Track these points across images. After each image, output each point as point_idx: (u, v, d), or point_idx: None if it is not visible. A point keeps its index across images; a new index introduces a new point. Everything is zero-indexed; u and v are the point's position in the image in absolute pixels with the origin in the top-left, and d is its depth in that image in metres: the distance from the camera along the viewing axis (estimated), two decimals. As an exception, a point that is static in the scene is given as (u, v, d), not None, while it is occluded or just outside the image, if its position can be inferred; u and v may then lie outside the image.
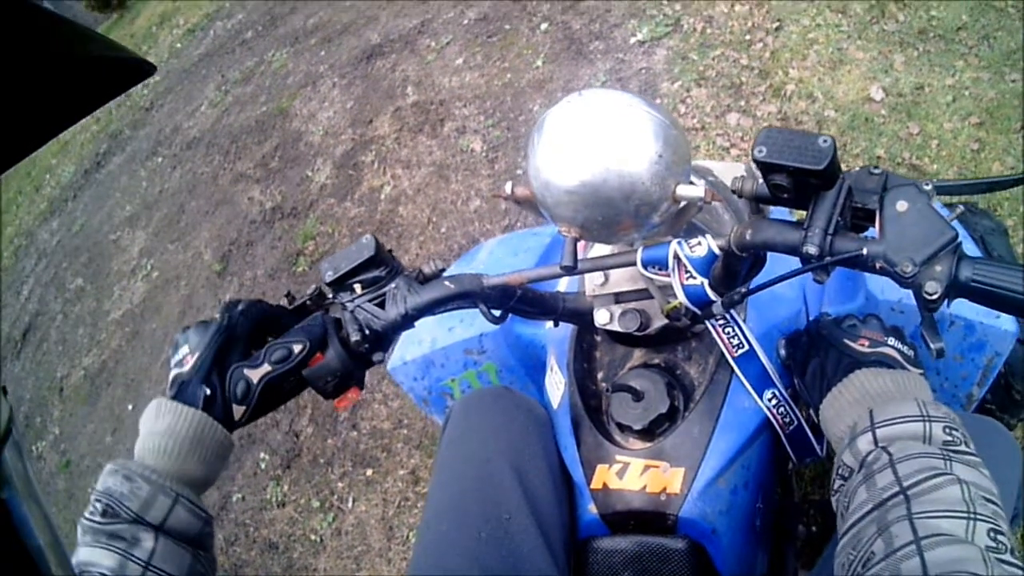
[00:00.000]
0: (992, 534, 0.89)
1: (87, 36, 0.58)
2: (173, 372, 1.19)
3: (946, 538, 0.88)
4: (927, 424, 1.05)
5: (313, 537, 3.37)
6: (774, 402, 1.37)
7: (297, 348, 1.20)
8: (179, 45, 8.34)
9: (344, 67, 5.80)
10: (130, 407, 4.57)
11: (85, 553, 1.01)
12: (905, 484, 0.97)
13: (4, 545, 0.49)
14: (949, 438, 1.03)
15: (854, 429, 1.11)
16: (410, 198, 4.42)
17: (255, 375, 1.19)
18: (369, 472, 3.43)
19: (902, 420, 1.06)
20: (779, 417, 1.38)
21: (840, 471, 1.13)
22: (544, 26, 4.98)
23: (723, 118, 3.81)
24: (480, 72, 4.94)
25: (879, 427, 1.08)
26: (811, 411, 1.31)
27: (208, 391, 1.15)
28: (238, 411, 1.18)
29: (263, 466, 3.71)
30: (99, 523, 1.02)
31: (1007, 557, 0.87)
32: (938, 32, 3.76)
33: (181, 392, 1.14)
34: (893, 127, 3.46)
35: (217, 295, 4.75)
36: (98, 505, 1.04)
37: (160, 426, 1.11)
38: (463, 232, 4.05)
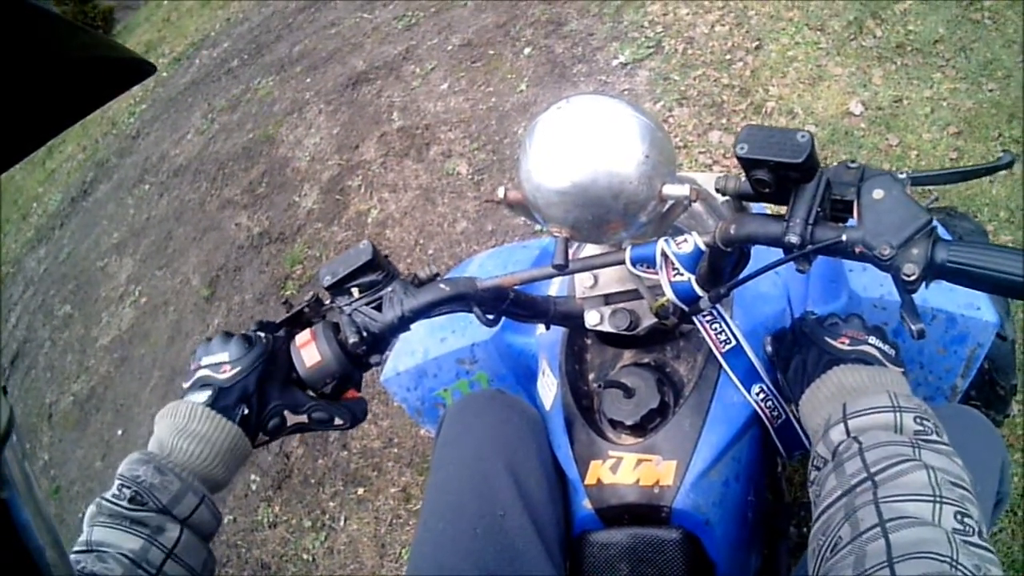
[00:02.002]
0: (959, 516, 0.91)
1: (87, 36, 0.59)
2: (204, 372, 1.22)
3: (911, 520, 0.90)
4: (898, 414, 1.07)
5: (305, 557, 3.36)
6: (762, 396, 1.40)
7: (339, 421, 1.28)
8: (165, 74, 8.34)
9: (330, 94, 5.82)
10: (119, 432, 4.56)
11: (103, 533, 1.03)
12: (872, 470, 1.00)
13: (4, 545, 0.49)
14: (920, 427, 1.06)
15: (828, 421, 1.14)
16: (397, 221, 4.43)
17: (291, 419, 1.25)
18: (360, 491, 3.43)
19: (873, 411, 1.09)
20: (767, 411, 1.41)
21: (815, 462, 1.15)
22: (527, 50, 5.02)
23: (705, 136, 3.85)
24: (465, 96, 4.97)
25: (851, 418, 1.10)
26: (793, 406, 1.34)
27: (246, 411, 1.19)
28: (262, 437, 1.25)
29: (254, 487, 3.70)
30: (125, 508, 1.05)
31: (974, 539, 0.88)
32: (915, 46, 3.80)
33: (218, 401, 1.18)
34: (873, 139, 3.50)
35: (205, 320, 4.74)
36: (126, 491, 1.06)
37: (197, 429, 1.15)
38: (450, 254, 4.07)
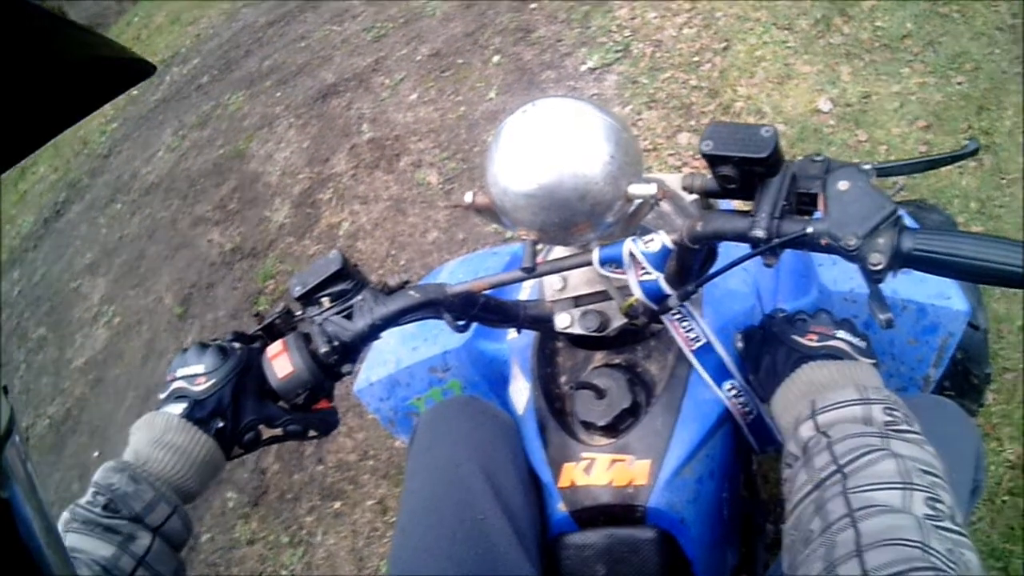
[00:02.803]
0: (930, 502, 0.90)
1: (87, 36, 0.59)
2: (179, 384, 1.23)
3: (880, 508, 0.90)
4: (866, 407, 1.07)
5: (284, 573, 3.34)
6: (733, 392, 1.41)
7: (312, 432, 1.30)
8: (135, 91, 8.29)
9: (300, 107, 5.81)
10: (96, 454, 4.52)
11: (76, 540, 1.03)
12: (841, 463, 1.00)
13: (5, 545, 0.49)
14: (889, 418, 1.06)
15: (798, 419, 1.14)
16: (368, 233, 4.43)
17: (266, 433, 1.27)
18: (337, 505, 3.41)
19: (841, 405, 1.09)
20: (739, 407, 1.41)
21: (787, 460, 1.15)
22: (496, 58, 5.02)
23: (674, 138, 3.86)
24: (434, 106, 4.97)
25: (819, 414, 1.10)
26: (765, 406, 1.34)
27: (221, 424, 1.20)
28: (236, 450, 1.26)
29: (231, 505, 3.68)
30: (98, 515, 1.05)
31: (946, 524, 0.88)
32: (883, 42, 3.83)
33: (193, 412, 1.18)
34: (842, 136, 3.52)
35: (178, 339, 4.71)
36: (100, 498, 1.06)
37: (173, 440, 1.15)
38: (422, 263, 4.07)
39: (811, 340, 1.25)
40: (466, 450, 1.40)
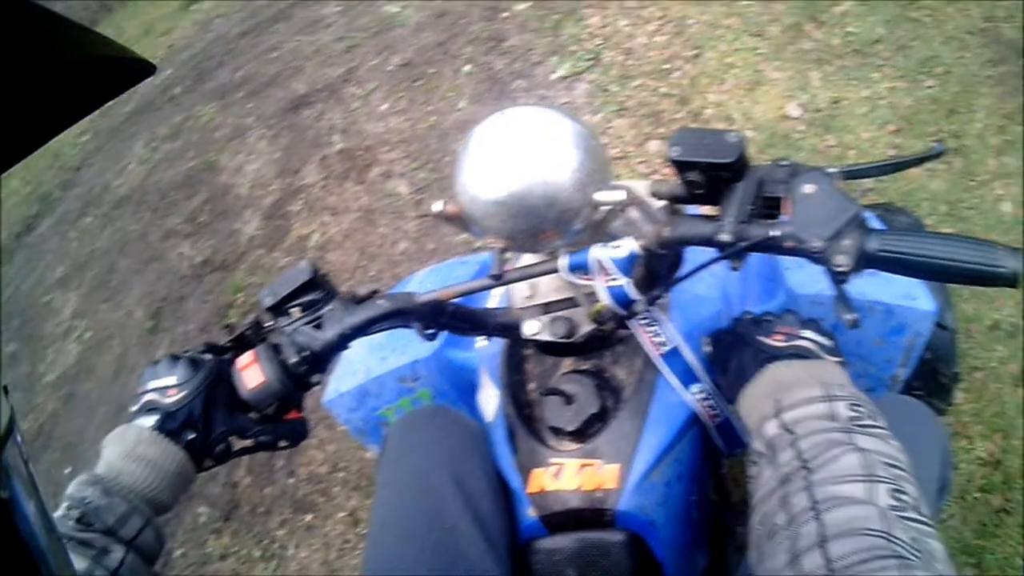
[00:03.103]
0: (894, 493, 0.91)
1: (87, 36, 0.59)
2: (151, 396, 1.22)
3: (843, 500, 0.90)
4: (831, 403, 1.07)
5: (258, 586, 3.34)
6: (701, 395, 1.41)
7: (283, 443, 1.30)
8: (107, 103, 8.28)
9: (271, 118, 5.80)
10: (68, 470, 4.48)
11: None
12: (806, 458, 1.00)
13: (6, 545, 0.49)
14: (854, 414, 1.06)
15: (763, 417, 1.14)
16: (339, 244, 4.43)
17: (237, 445, 1.26)
18: (309, 517, 3.40)
19: (806, 402, 1.09)
20: (707, 410, 1.42)
21: (752, 458, 1.15)
22: (467, 68, 5.03)
23: (644, 146, 3.87)
24: (405, 116, 4.98)
25: (784, 411, 1.10)
26: (733, 408, 1.34)
27: (192, 436, 1.19)
28: (208, 462, 1.25)
29: (203, 520, 3.65)
30: (71, 528, 1.04)
31: (910, 514, 0.88)
32: (854, 47, 3.86)
33: (165, 424, 1.18)
34: (811, 141, 3.54)
35: (150, 353, 4.68)
36: (73, 512, 1.05)
37: (144, 453, 1.14)
38: (392, 274, 4.07)
39: (777, 340, 1.26)
40: (435, 459, 1.40)
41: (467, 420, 1.53)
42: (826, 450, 0.99)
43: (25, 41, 0.50)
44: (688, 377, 1.41)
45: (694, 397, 1.41)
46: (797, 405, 1.10)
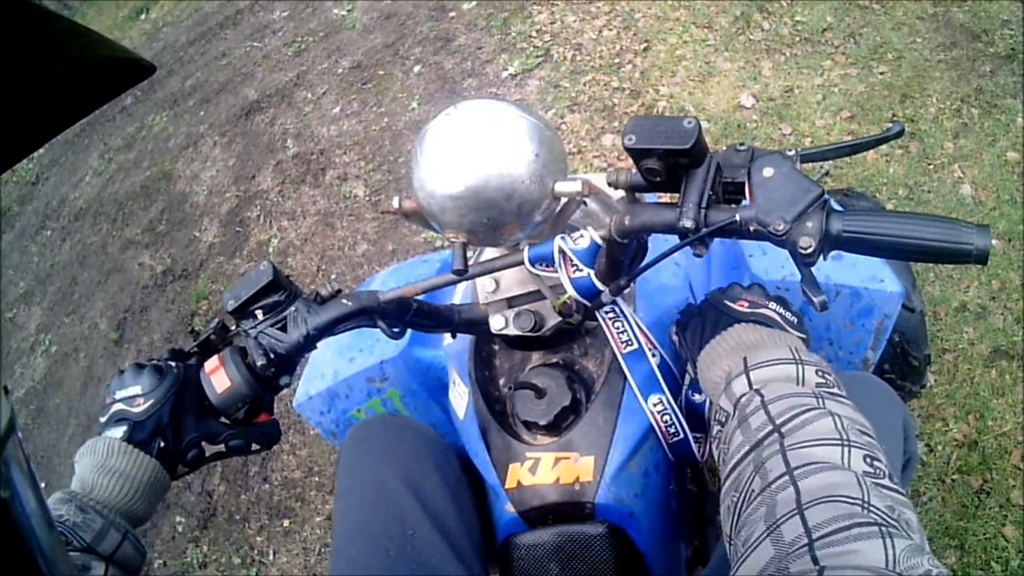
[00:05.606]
0: (868, 460, 0.91)
1: (88, 36, 0.58)
2: (118, 407, 1.21)
3: (820, 465, 0.90)
4: (799, 367, 1.08)
5: (238, 594, 3.32)
6: (659, 408, 1.40)
7: (255, 447, 1.30)
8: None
9: (224, 125, 5.77)
10: (42, 486, 4.43)
11: None
12: (778, 422, 0.99)
13: (6, 545, 0.49)
14: (822, 380, 1.07)
15: (729, 374, 1.14)
16: (298, 248, 4.41)
17: (210, 450, 1.26)
18: (286, 523, 3.39)
19: (775, 362, 1.10)
20: (663, 425, 1.40)
21: (717, 416, 1.15)
22: (417, 68, 5.03)
23: (598, 140, 3.89)
24: (358, 119, 4.97)
25: (753, 370, 1.11)
26: (689, 366, 1.34)
27: (163, 444, 1.19)
28: (181, 469, 1.24)
29: (180, 529, 3.63)
30: None
31: (885, 482, 0.88)
32: (804, 36, 3.90)
33: (134, 435, 1.17)
34: (766, 130, 3.57)
35: (116, 364, 4.64)
36: None
37: (116, 465, 1.14)
38: (353, 276, 4.06)
39: (742, 306, 1.26)
40: (389, 467, 1.42)
41: (418, 425, 1.55)
42: (798, 414, 0.98)
43: (25, 41, 0.50)
44: (649, 384, 1.40)
45: (652, 408, 1.39)
46: (766, 364, 1.10)
